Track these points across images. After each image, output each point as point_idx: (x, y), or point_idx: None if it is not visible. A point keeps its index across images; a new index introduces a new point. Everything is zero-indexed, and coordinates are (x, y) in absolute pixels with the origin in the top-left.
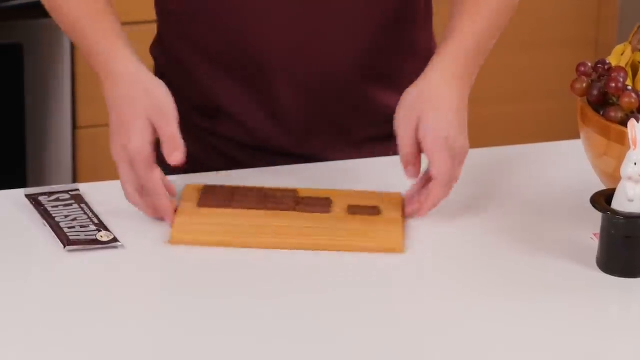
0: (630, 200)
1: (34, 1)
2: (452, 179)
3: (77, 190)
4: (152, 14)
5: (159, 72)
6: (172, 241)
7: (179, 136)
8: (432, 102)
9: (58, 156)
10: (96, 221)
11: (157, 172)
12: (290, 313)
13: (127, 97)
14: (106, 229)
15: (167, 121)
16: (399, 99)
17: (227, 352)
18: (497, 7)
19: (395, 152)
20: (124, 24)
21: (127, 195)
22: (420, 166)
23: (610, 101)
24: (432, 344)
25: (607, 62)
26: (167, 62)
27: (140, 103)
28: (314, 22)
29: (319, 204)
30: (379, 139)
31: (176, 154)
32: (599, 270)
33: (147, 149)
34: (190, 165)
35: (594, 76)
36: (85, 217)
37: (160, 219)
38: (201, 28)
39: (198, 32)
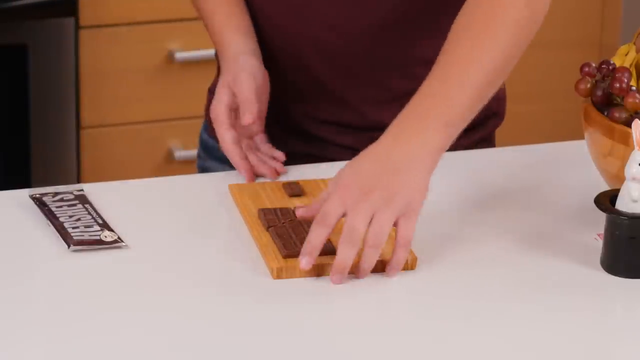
0: (635, 201)
1: (38, 1)
2: (352, 234)
3: (81, 190)
4: (153, 15)
5: None
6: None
7: (253, 100)
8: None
9: (62, 156)
10: (100, 221)
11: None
12: (296, 321)
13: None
14: (110, 229)
15: (241, 89)
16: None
17: (230, 353)
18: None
19: None
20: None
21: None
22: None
23: (615, 102)
24: (436, 346)
25: (612, 62)
26: None
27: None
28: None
29: None
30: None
31: (247, 115)
32: (603, 271)
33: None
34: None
35: (598, 77)
36: (89, 217)
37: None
38: None
39: None
